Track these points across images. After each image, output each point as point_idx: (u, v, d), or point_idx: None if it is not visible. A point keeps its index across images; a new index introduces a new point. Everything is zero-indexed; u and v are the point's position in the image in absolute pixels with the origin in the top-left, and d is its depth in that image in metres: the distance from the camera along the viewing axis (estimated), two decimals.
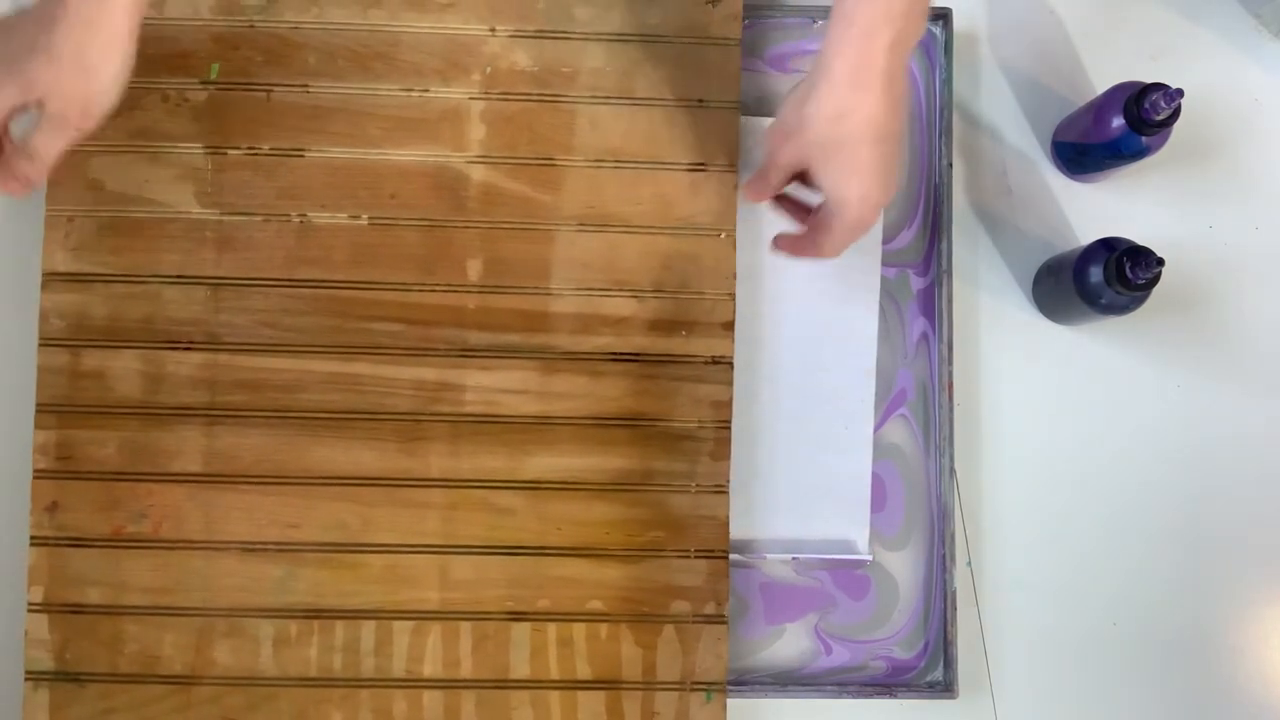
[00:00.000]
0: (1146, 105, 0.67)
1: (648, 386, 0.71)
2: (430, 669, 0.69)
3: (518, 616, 0.69)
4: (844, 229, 0.63)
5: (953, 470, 0.74)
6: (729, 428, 0.71)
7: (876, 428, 0.75)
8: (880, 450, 0.75)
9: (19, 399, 0.71)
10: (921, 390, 0.75)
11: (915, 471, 0.75)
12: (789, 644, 0.73)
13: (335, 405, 0.70)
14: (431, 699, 0.69)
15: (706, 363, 0.71)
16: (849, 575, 0.74)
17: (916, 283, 0.76)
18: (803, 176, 0.66)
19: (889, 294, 0.76)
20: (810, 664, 0.73)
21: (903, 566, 0.74)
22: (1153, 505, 0.76)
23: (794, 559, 0.73)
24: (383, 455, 0.70)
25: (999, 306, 0.77)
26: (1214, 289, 0.78)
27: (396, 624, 0.69)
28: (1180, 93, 0.66)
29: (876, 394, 0.75)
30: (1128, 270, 0.67)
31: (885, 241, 0.76)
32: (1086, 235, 0.76)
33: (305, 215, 0.71)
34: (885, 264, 0.76)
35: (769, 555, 0.73)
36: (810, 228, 0.66)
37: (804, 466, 0.74)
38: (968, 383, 0.76)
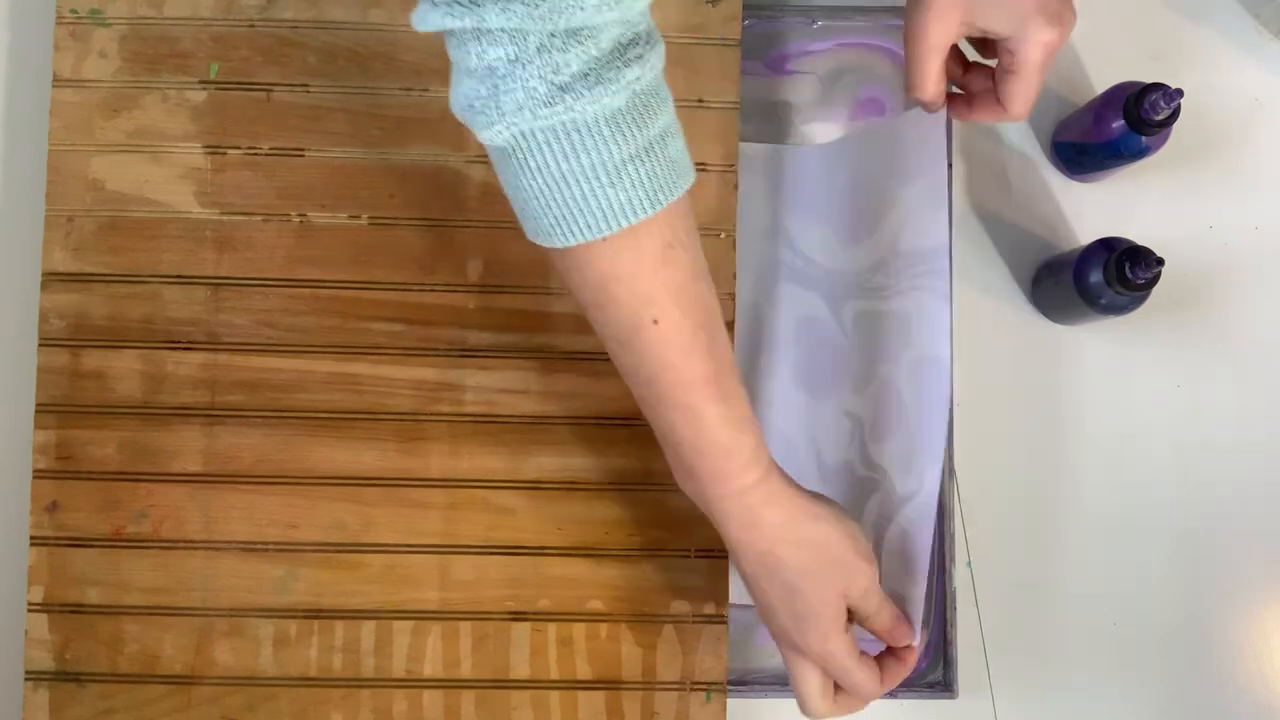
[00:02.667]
0: (1146, 105, 0.67)
1: None
2: (430, 669, 0.69)
3: (518, 616, 0.69)
4: (1037, 67, 0.57)
5: (953, 470, 0.74)
6: None
7: None
8: None
9: (19, 399, 0.71)
10: None
11: None
12: None
13: (335, 405, 0.70)
14: (431, 699, 0.69)
15: None
16: None
17: None
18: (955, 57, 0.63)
19: None
20: None
21: None
22: (1153, 505, 0.76)
23: None
24: (383, 455, 0.70)
25: (999, 306, 0.77)
26: (1214, 289, 0.78)
27: (396, 624, 0.69)
28: (1180, 93, 0.66)
29: None
30: (1128, 270, 0.67)
31: None
32: (1086, 235, 0.76)
33: (305, 215, 0.71)
34: None
35: None
36: (996, 85, 0.61)
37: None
38: (968, 383, 0.76)
